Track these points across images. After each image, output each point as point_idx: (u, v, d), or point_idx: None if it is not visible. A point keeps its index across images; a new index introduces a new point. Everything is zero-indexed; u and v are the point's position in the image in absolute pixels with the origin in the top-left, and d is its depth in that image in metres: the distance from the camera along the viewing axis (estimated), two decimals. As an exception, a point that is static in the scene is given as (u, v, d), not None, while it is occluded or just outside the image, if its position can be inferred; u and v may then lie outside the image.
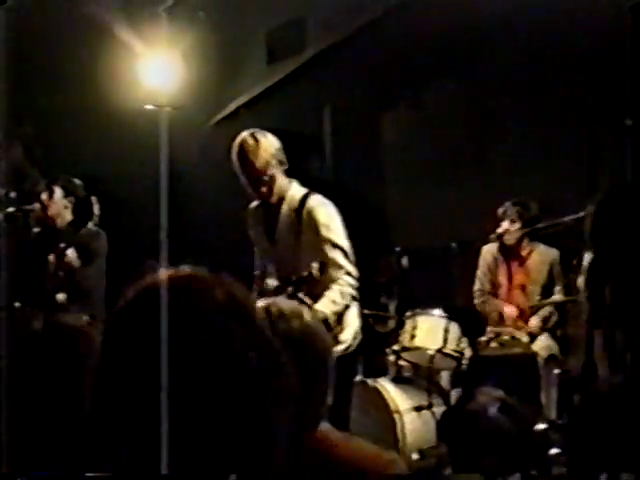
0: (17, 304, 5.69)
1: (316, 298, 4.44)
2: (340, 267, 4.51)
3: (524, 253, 6.34)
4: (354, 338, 4.69)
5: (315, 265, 4.32)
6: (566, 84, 6.42)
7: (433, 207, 7.26)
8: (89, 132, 7.40)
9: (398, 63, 7.22)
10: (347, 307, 4.56)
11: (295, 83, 7.92)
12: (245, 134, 4.59)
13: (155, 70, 7.09)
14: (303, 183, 4.74)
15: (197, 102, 7.46)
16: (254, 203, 4.83)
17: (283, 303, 2.15)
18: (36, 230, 6.20)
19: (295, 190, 4.67)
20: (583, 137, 6.35)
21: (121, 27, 6.88)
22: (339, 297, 4.49)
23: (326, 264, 4.39)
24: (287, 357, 1.32)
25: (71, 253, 5.88)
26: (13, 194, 6.07)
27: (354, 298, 4.59)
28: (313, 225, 4.55)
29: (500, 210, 6.27)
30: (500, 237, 6.28)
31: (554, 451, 4.73)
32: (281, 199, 4.65)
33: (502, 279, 6.40)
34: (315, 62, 7.75)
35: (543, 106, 6.66)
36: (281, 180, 4.62)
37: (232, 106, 8.20)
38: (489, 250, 6.46)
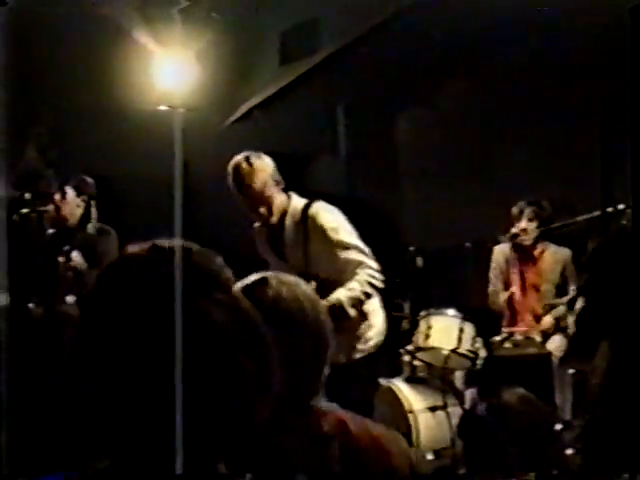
0: (31, 305, 5.71)
1: None
2: (360, 263, 4.50)
3: (536, 253, 6.31)
4: (380, 334, 4.75)
5: (313, 283, 4.33)
6: (579, 83, 6.40)
7: (447, 207, 7.25)
8: (103, 133, 7.41)
9: (411, 63, 7.20)
10: (368, 296, 4.53)
11: (308, 84, 7.92)
12: (239, 158, 4.58)
13: (169, 71, 7.10)
14: (313, 188, 4.75)
15: (211, 103, 7.46)
16: (258, 222, 4.81)
17: (282, 275, 2.16)
18: (50, 231, 6.21)
19: (296, 202, 4.66)
20: (596, 136, 6.33)
21: (135, 28, 6.90)
22: (357, 285, 4.46)
23: (325, 280, 4.40)
24: (267, 327, 1.28)
25: (75, 256, 5.87)
26: (28, 195, 6.09)
27: (375, 287, 4.54)
28: (320, 231, 4.54)
29: (515, 210, 6.24)
30: (515, 237, 6.25)
31: (569, 452, 4.71)
32: (283, 215, 4.63)
33: (515, 279, 6.37)
34: (328, 63, 7.75)
35: (557, 106, 6.64)
36: (279, 198, 4.61)
37: (245, 107, 8.20)
38: (501, 250, 6.43)
